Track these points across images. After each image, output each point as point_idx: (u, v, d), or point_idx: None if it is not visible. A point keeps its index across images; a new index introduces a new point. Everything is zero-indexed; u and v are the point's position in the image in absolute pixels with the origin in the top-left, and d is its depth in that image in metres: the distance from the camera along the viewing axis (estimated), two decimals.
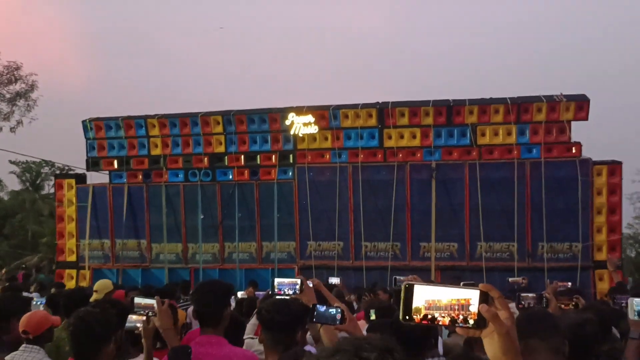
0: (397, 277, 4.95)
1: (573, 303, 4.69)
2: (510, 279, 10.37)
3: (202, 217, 12.57)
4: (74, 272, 12.95)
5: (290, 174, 12.22)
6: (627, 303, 5.88)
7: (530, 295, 4.50)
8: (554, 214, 11.10)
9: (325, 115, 11.96)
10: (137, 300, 3.38)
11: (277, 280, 3.45)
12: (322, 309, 2.70)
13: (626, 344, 3.17)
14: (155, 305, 3.19)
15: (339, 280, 9.37)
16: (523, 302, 4.46)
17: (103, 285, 6.12)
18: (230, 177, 12.47)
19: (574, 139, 11.37)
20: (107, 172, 13.29)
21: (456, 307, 1.31)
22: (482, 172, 11.32)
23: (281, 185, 12.23)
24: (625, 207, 11.85)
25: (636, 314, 2.65)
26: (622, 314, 4.59)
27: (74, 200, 13.13)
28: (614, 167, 11.28)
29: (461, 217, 11.57)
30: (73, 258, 13.11)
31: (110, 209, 12.98)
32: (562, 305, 4.66)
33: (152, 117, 12.82)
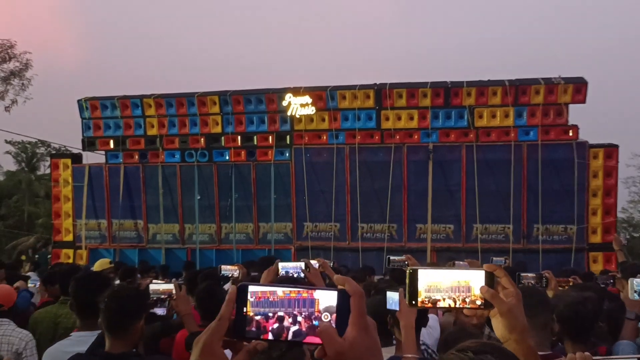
0: (391, 257, 4.94)
1: (570, 283, 4.74)
2: (493, 258, 10.34)
3: (199, 197, 12.57)
4: (70, 252, 12.97)
5: (287, 155, 12.22)
6: (606, 284, 5.93)
7: (530, 275, 4.53)
8: (549, 197, 11.15)
9: (323, 96, 11.92)
10: (154, 286, 3.38)
11: (281, 264, 3.45)
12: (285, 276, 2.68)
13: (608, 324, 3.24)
14: (173, 290, 3.19)
15: (304, 265, 9.33)
16: (523, 282, 4.49)
17: (101, 263, 6.15)
18: (227, 157, 12.46)
19: (571, 121, 11.38)
20: (103, 152, 13.25)
21: (458, 289, 1.32)
22: (479, 154, 11.34)
23: (278, 166, 12.23)
24: (620, 190, 11.88)
25: (636, 294, 2.66)
26: (607, 294, 4.66)
27: (70, 180, 13.11)
28: (611, 150, 11.31)
29: (457, 199, 11.61)
30: (70, 238, 13.12)
31: (106, 189, 12.97)
32: (560, 286, 4.70)
33: (149, 97, 12.75)
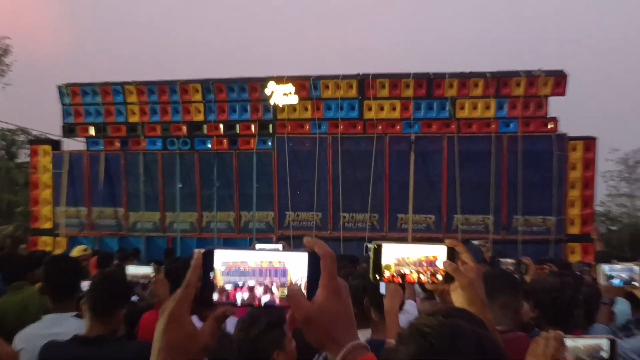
0: (368, 245, 4.98)
1: (546, 271, 4.82)
2: (472, 241, 10.45)
3: (180, 185, 12.50)
4: (49, 239, 12.82)
5: (270, 143, 12.19)
6: (582, 272, 6.04)
7: (509, 260, 4.61)
8: (529, 188, 11.28)
9: (306, 85, 11.90)
10: (132, 269, 3.34)
11: (258, 245, 3.45)
12: None
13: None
14: (151, 274, 3.17)
15: (281, 247, 9.35)
16: (502, 267, 4.56)
17: (76, 249, 6.10)
18: (209, 146, 12.39)
19: (551, 114, 11.51)
20: (84, 139, 13.10)
21: (424, 264, 1.35)
22: (460, 145, 11.42)
23: (260, 155, 12.19)
24: (599, 184, 12.08)
25: (606, 279, 2.72)
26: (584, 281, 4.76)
27: (50, 167, 12.94)
28: (589, 143, 11.47)
29: (438, 190, 11.70)
30: (49, 225, 12.97)
31: (86, 177, 12.83)
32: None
33: (130, 83, 12.61)
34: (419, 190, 11.54)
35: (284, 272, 0.90)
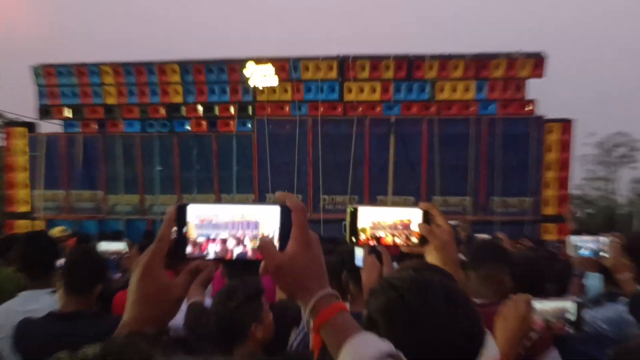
0: (345, 223, 4.99)
1: (521, 246, 4.91)
2: (450, 222, 10.58)
3: (159, 168, 12.39)
4: (26, 222, 12.65)
5: (250, 125, 12.12)
6: (554, 248, 6.17)
7: (484, 236, 4.68)
8: (507, 170, 11.42)
9: (286, 66, 11.83)
10: (104, 246, 3.31)
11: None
12: None
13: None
14: (123, 250, 3.14)
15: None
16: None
17: (56, 230, 6.04)
18: (188, 128, 12.29)
19: (529, 96, 11.63)
20: (60, 121, 12.88)
21: (399, 227, 1.36)
22: (440, 128, 11.49)
23: (240, 137, 12.13)
24: (576, 168, 12.26)
25: (575, 250, 2.78)
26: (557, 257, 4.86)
27: (26, 150, 12.72)
28: (566, 125, 11.62)
29: (418, 172, 11.77)
30: (26, 209, 12.79)
31: (63, 159, 12.64)
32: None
33: (106, 64, 12.40)
34: (398, 172, 11.61)
35: (256, 225, 0.91)
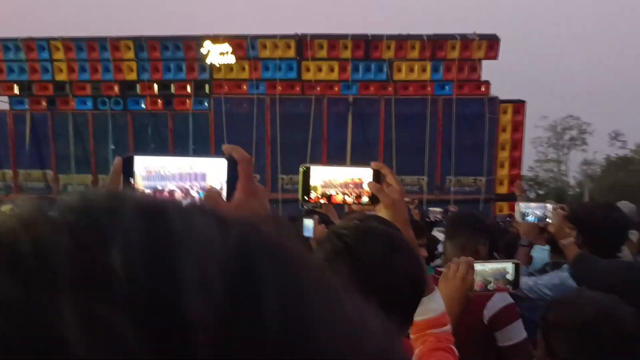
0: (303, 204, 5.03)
1: None
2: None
3: (113, 147, 12.10)
4: None
5: (206, 104, 11.96)
6: (505, 223, 6.36)
7: (437, 209, 4.78)
8: (462, 150, 11.64)
9: (243, 44, 11.68)
10: None
11: None
12: None
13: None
14: None
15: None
16: (430, 217, 4.73)
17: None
18: (143, 106, 12.03)
19: (484, 77, 11.85)
20: (7, 97, 12.40)
21: (351, 185, 1.37)
22: (397, 108, 11.59)
23: (196, 116, 11.95)
24: (528, 150, 12.62)
25: (522, 217, 2.86)
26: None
27: None
28: (519, 106, 11.91)
29: (375, 151, 11.85)
30: None
31: (11, 137, 12.20)
32: None
33: (56, 39, 11.97)
34: (356, 152, 11.67)
35: (203, 177, 0.91)
